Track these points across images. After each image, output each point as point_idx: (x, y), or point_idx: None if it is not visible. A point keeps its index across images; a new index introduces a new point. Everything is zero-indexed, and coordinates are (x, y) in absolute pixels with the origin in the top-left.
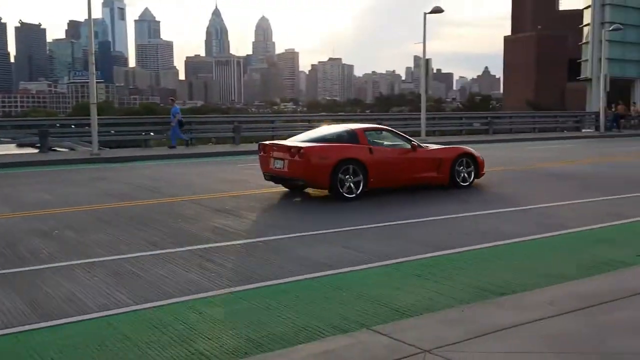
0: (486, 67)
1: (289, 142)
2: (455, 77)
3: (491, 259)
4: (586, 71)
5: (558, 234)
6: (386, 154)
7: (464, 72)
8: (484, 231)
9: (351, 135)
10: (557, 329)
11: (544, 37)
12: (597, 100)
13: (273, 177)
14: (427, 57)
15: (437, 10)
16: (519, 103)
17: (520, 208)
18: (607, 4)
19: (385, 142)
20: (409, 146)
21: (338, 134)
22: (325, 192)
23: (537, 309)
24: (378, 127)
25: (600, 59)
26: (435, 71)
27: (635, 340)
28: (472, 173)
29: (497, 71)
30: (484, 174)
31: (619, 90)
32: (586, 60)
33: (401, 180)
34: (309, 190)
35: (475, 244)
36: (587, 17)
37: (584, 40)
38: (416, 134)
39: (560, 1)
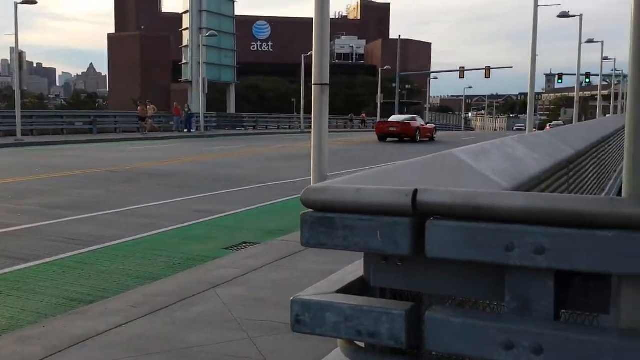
0: (91, 64)
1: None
2: (59, 73)
3: (80, 266)
4: (187, 74)
5: (152, 234)
6: None
7: (69, 68)
8: (76, 237)
9: None
10: (138, 332)
11: (147, 38)
12: (197, 102)
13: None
14: (22, 49)
15: (30, 0)
16: (126, 102)
17: (117, 210)
18: (204, 10)
19: None
20: None
21: None
22: None
23: (120, 313)
24: None
25: (199, 63)
26: (35, 65)
27: (209, 332)
28: None
29: (103, 69)
30: None
31: (219, 93)
32: (187, 63)
33: None
34: None
35: (65, 252)
36: (186, 22)
37: (184, 44)
38: (11, 133)
39: (162, 3)
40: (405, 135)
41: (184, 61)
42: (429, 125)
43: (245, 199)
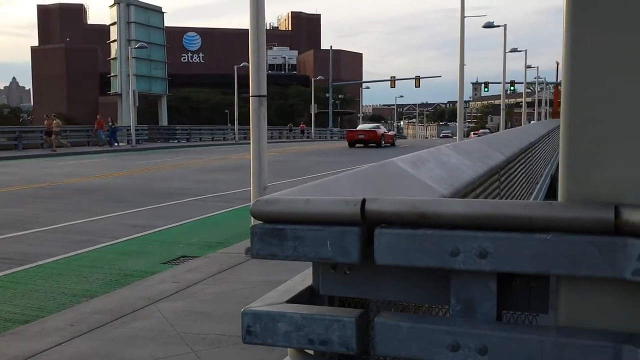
0: (14, 78)
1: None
2: None
3: (13, 285)
4: (116, 86)
5: (86, 250)
6: None
7: None
8: (7, 256)
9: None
10: (78, 350)
11: (73, 50)
12: (127, 114)
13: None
14: None
15: None
16: None
17: (49, 227)
18: (132, 22)
19: None
20: None
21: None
22: None
23: (58, 332)
24: None
25: (128, 75)
26: None
27: (152, 348)
28: None
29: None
30: None
31: (150, 105)
32: (115, 75)
33: None
34: None
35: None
36: (114, 34)
37: (112, 56)
38: None
39: (88, 15)
40: (372, 141)
41: (112, 74)
42: (390, 133)
43: (182, 212)
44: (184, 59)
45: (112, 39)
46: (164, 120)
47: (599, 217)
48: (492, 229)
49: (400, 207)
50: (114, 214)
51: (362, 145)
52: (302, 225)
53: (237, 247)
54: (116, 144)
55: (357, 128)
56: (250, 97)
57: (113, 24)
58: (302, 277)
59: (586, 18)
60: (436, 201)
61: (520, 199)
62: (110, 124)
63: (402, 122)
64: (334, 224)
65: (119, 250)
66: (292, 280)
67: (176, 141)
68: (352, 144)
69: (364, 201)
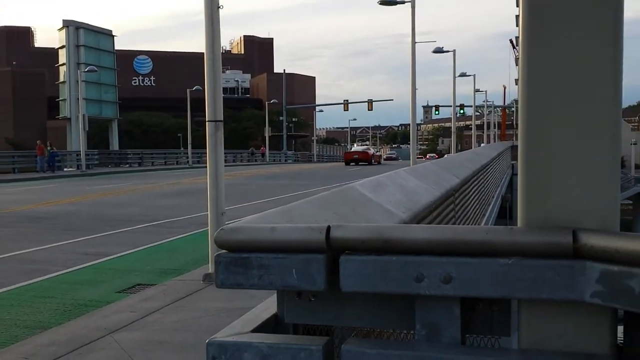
0: None
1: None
2: None
3: None
4: (65, 110)
5: (38, 280)
6: None
7: None
8: None
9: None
10: None
11: (20, 74)
12: (77, 139)
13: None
14: None
15: None
16: None
17: None
18: (82, 45)
19: None
20: None
21: None
22: None
23: None
24: None
25: (78, 99)
26: None
27: None
28: None
29: None
30: None
31: (101, 129)
32: (64, 99)
33: None
34: None
35: None
36: (62, 57)
37: (61, 80)
38: None
39: (36, 38)
40: (364, 160)
41: (61, 97)
42: (377, 153)
43: (136, 239)
44: (135, 82)
45: (61, 63)
46: (115, 145)
47: (557, 241)
48: (456, 254)
49: (365, 234)
50: (65, 242)
51: (354, 163)
52: (268, 253)
53: (194, 274)
54: (58, 170)
55: (352, 150)
56: (207, 123)
57: (62, 47)
58: (266, 305)
59: (541, 47)
60: (400, 227)
61: (474, 220)
62: (49, 148)
63: (355, 145)
64: (300, 252)
65: (72, 280)
66: (257, 309)
67: (128, 165)
68: (348, 163)
69: (329, 228)
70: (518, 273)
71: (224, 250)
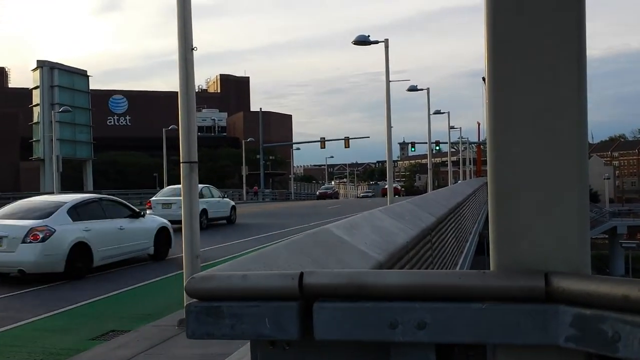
0: None
1: None
2: None
3: None
4: (39, 151)
5: (6, 328)
6: None
7: None
8: None
9: None
10: None
11: None
12: (51, 180)
13: None
14: None
15: None
16: None
17: None
18: (56, 85)
19: None
20: None
21: None
22: None
23: None
24: None
25: (52, 140)
26: None
27: None
28: None
29: None
30: None
31: (75, 170)
32: (38, 140)
33: None
34: None
35: None
36: (36, 98)
37: (35, 120)
38: None
39: (9, 78)
40: (329, 197)
41: (34, 138)
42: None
43: (110, 283)
44: (110, 122)
45: (34, 103)
46: (89, 186)
47: (530, 285)
48: (430, 300)
49: (338, 280)
50: (36, 288)
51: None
52: (240, 302)
53: (169, 319)
54: None
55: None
56: (181, 164)
57: (36, 87)
58: (240, 355)
59: (505, 97)
60: (374, 273)
61: (451, 258)
62: None
63: (333, 182)
64: (272, 300)
65: (43, 327)
66: (230, 359)
67: None
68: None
69: (301, 275)
70: (492, 318)
71: (194, 300)
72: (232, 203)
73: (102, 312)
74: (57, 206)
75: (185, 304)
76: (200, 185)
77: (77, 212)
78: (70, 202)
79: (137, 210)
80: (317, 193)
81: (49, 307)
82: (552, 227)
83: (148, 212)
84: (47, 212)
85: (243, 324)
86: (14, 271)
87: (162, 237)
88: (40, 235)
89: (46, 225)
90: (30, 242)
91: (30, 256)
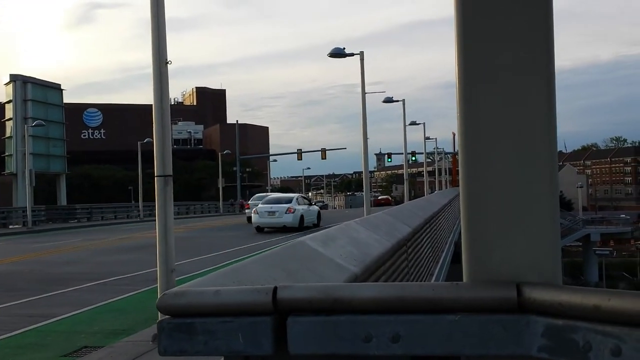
0: None
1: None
2: None
3: None
4: (11, 166)
5: None
6: None
7: None
8: None
9: None
10: None
11: None
12: (23, 195)
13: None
14: None
15: None
16: None
17: None
18: (29, 99)
19: None
20: None
21: None
22: None
23: None
24: None
25: (24, 154)
26: None
27: None
28: None
29: None
30: None
31: (49, 184)
32: (10, 154)
33: None
34: None
35: None
36: (9, 112)
37: (7, 135)
38: None
39: None
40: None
41: (7, 153)
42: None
43: (83, 298)
44: (85, 136)
45: (7, 117)
46: (63, 200)
47: (502, 296)
48: (404, 312)
49: (312, 294)
50: (7, 304)
51: None
52: (213, 317)
53: (143, 335)
54: (2, 227)
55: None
56: (156, 178)
57: (9, 101)
58: None
59: (475, 112)
60: (348, 286)
61: (427, 268)
62: None
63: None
64: (246, 315)
65: (14, 344)
66: None
67: (76, 221)
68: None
69: (275, 289)
70: (465, 329)
71: (167, 316)
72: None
73: (75, 328)
74: (291, 199)
75: (157, 323)
76: (295, 195)
77: (297, 201)
78: (295, 196)
79: (312, 202)
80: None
81: (20, 324)
82: (523, 237)
83: (246, 211)
84: (288, 200)
85: (216, 340)
86: (281, 226)
87: (319, 215)
88: (292, 210)
89: (292, 206)
90: (287, 213)
91: (288, 219)
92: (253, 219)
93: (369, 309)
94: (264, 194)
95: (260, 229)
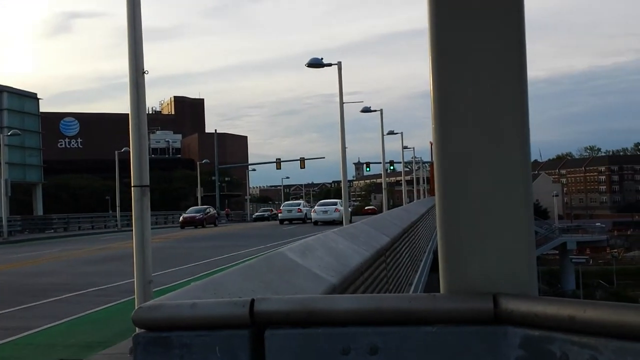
0: None
1: None
2: None
3: None
4: None
5: None
6: None
7: None
8: None
9: None
10: None
11: None
12: None
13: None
14: None
15: None
16: None
17: None
18: (5, 109)
19: None
20: None
21: None
22: None
23: None
24: None
25: (0, 164)
26: None
27: None
28: None
29: None
30: None
31: (25, 194)
32: None
33: None
34: None
35: None
36: None
37: None
38: None
39: None
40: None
41: None
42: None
43: (59, 310)
44: (61, 145)
45: None
46: (39, 210)
47: (478, 308)
48: (381, 324)
49: (290, 306)
50: None
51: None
52: (189, 331)
53: (120, 347)
54: None
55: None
56: (132, 188)
57: None
58: None
59: (448, 127)
60: (325, 298)
61: (406, 278)
62: None
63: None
64: (223, 328)
65: None
66: None
67: (53, 231)
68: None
69: (252, 302)
70: (442, 341)
71: (143, 330)
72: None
73: (51, 341)
74: (335, 202)
75: (132, 336)
76: (338, 200)
77: (340, 204)
78: (339, 201)
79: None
80: (181, 218)
81: None
82: (498, 248)
83: (279, 215)
84: (334, 203)
85: (193, 354)
86: (331, 221)
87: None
88: (338, 210)
89: (337, 207)
90: (334, 212)
91: (335, 215)
92: (313, 216)
93: (346, 321)
94: (294, 201)
95: (316, 223)
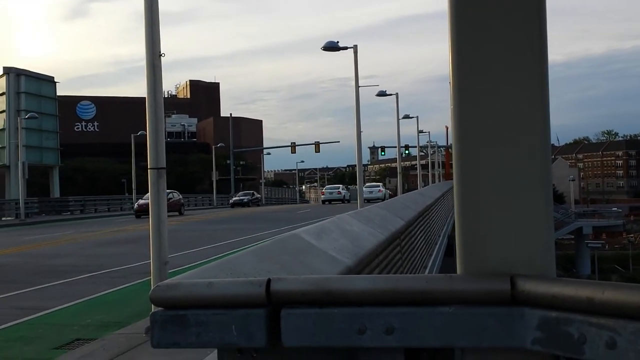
0: None
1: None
2: None
3: None
4: (4, 158)
5: None
6: None
7: None
8: None
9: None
10: None
11: None
12: (16, 187)
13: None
14: None
15: None
16: None
17: None
18: (22, 92)
19: None
20: None
21: None
22: None
23: None
24: None
25: (17, 146)
26: None
27: None
28: None
29: None
30: None
31: (42, 176)
32: (4, 147)
33: None
34: None
35: None
36: (2, 104)
37: (0, 127)
38: None
39: None
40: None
41: (0, 145)
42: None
43: (75, 291)
44: (78, 128)
45: (0, 110)
46: (55, 192)
47: (496, 289)
48: (398, 305)
49: (306, 286)
50: None
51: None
52: (206, 309)
53: (136, 327)
54: None
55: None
56: (149, 170)
57: (2, 94)
58: None
59: (470, 102)
60: (342, 278)
61: (421, 261)
62: None
63: (303, 187)
64: (239, 307)
65: (5, 337)
66: None
67: (69, 213)
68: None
69: (269, 281)
70: (459, 321)
71: (160, 308)
72: (389, 191)
73: (67, 321)
74: (378, 185)
75: (149, 315)
76: (380, 183)
77: (383, 186)
78: (380, 184)
79: (386, 187)
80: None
81: (12, 317)
82: (517, 230)
83: (322, 197)
84: (377, 185)
85: (209, 332)
86: (375, 199)
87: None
88: (382, 191)
89: (380, 188)
90: (378, 192)
91: (379, 195)
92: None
93: (362, 301)
94: (334, 185)
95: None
